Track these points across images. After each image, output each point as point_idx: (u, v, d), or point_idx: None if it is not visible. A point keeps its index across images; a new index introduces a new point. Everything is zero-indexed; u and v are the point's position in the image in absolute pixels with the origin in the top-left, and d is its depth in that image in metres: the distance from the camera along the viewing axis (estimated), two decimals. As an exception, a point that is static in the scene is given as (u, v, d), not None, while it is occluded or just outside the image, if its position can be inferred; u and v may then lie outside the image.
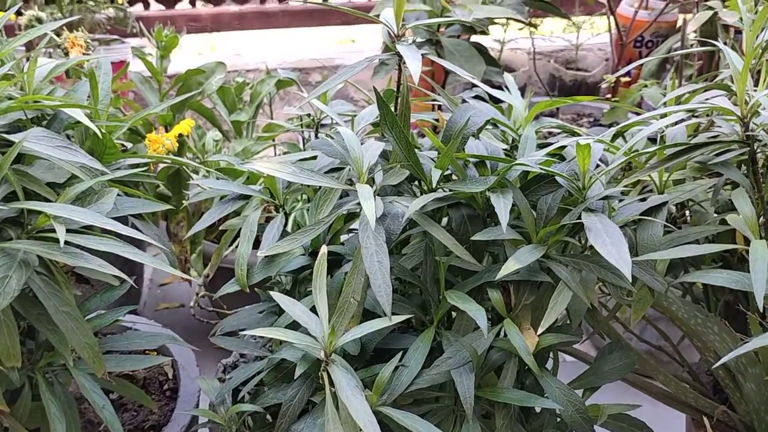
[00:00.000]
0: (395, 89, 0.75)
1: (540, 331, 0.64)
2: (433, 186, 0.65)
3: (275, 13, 1.99)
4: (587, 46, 2.22)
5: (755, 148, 0.66)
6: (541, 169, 0.67)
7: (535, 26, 1.47)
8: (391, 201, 0.66)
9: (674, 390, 0.82)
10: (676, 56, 1.59)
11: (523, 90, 2.30)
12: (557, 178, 0.68)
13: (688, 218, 0.86)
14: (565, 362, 0.85)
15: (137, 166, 0.74)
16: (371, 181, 0.66)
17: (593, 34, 2.18)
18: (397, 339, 0.70)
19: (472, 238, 0.65)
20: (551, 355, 0.76)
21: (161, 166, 1.30)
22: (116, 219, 0.69)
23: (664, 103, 0.82)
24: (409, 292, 0.76)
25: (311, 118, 0.88)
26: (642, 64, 1.88)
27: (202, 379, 0.81)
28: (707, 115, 0.76)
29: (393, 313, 0.66)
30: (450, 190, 0.69)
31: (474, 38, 2.28)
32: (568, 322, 0.72)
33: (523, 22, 1.40)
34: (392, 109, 0.73)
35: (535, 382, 0.68)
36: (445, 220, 0.74)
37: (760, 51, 0.80)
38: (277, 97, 1.60)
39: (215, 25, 2.02)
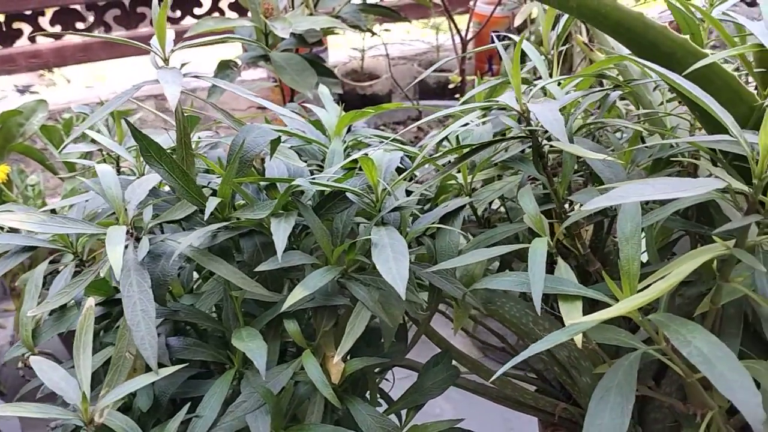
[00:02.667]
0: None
1: (336, 358, 0.60)
2: (205, 217, 0.60)
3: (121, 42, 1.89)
4: (449, 47, 2.22)
5: (540, 141, 0.64)
6: (324, 185, 0.63)
7: (373, 33, 1.45)
8: (163, 239, 0.61)
9: (512, 393, 0.80)
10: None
11: (389, 96, 2.28)
12: (348, 193, 0.65)
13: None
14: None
15: None
16: (140, 221, 0.61)
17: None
18: (198, 386, 0.65)
19: (257, 269, 0.60)
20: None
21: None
22: None
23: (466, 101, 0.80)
24: (217, 332, 0.71)
25: (106, 153, 0.81)
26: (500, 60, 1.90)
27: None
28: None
29: (182, 360, 0.61)
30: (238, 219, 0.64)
31: (333, 48, 2.26)
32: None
33: (361, 29, 1.37)
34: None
35: (349, 412, 0.64)
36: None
37: (555, 42, 0.80)
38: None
39: (59, 60, 1.91)
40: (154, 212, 0.65)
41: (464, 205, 0.67)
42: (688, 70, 0.53)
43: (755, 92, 0.60)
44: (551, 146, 0.64)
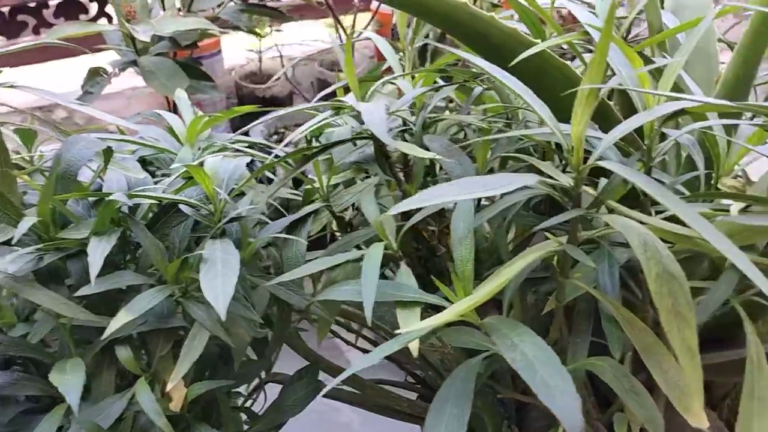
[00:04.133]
0: None
1: (170, 384, 0.55)
2: (14, 239, 0.55)
3: (23, 52, 1.79)
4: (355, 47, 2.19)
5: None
6: (148, 197, 0.59)
7: (257, 34, 1.41)
8: (-31, 267, 0.55)
9: (386, 401, 0.77)
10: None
11: (289, 97, 2.23)
12: (181, 205, 0.60)
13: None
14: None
15: None
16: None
17: (355, 33, 2.15)
18: (30, 423, 0.60)
19: (76, 293, 0.56)
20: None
21: None
22: None
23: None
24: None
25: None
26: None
27: None
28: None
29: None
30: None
31: (232, 51, 2.19)
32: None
33: (241, 30, 1.32)
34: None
35: (196, 439, 0.60)
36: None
37: (412, 38, 0.77)
38: None
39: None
40: (-33, 237, 0.59)
41: (311, 213, 0.64)
42: (515, 60, 0.51)
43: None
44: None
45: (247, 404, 0.77)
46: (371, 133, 0.60)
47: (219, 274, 0.52)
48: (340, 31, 1.51)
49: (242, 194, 0.69)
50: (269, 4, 1.60)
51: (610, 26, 0.39)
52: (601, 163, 0.42)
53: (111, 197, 0.56)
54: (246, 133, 0.93)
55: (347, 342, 0.88)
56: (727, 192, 0.52)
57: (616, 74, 0.50)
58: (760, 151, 0.48)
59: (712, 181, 0.55)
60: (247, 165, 0.70)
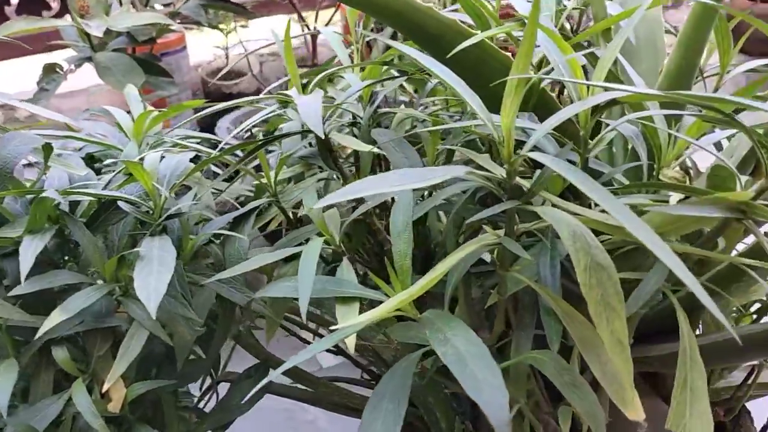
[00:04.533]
0: None
1: (107, 385, 0.54)
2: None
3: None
4: (321, 41, 2.17)
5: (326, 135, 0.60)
6: (84, 194, 0.57)
7: (220, 29, 1.40)
8: None
9: (339, 399, 0.76)
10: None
11: (257, 93, 2.22)
12: (120, 202, 0.59)
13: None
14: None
15: None
16: None
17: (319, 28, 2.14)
18: (-35, 427, 0.58)
19: (10, 293, 0.54)
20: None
21: None
22: None
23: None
24: None
25: None
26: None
27: None
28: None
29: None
30: None
31: (199, 48, 2.17)
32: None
33: (202, 25, 1.31)
34: None
35: (137, 440, 0.59)
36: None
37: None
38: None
39: None
40: None
41: (254, 209, 0.63)
42: (453, 51, 0.51)
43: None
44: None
45: (201, 405, 0.76)
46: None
47: (153, 272, 0.51)
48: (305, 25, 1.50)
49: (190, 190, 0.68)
50: (234, -1, 1.59)
51: (536, 12, 0.39)
52: (531, 155, 0.42)
53: (43, 194, 0.55)
54: (212, 131, 0.91)
55: (303, 340, 0.87)
56: (666, 183, 0.51)
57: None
58: (696, 143, 0.48)
59: (655, 172, 0.55)
60: (194, 161, 0.69)
